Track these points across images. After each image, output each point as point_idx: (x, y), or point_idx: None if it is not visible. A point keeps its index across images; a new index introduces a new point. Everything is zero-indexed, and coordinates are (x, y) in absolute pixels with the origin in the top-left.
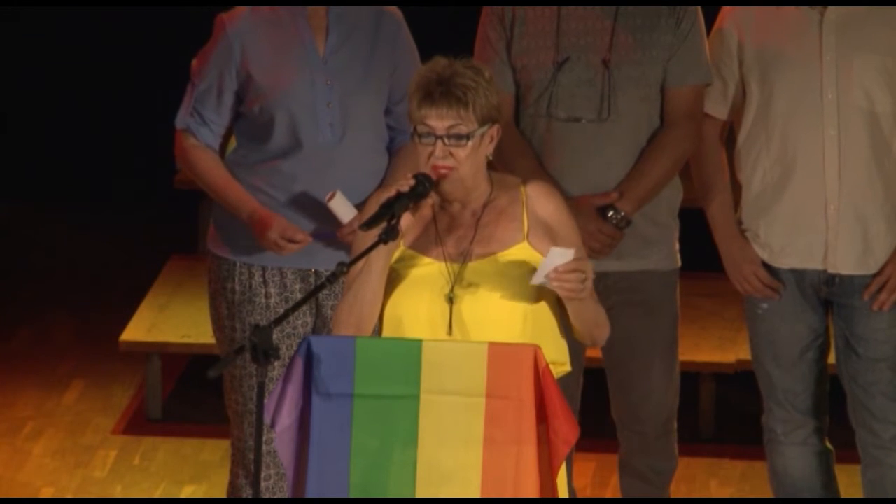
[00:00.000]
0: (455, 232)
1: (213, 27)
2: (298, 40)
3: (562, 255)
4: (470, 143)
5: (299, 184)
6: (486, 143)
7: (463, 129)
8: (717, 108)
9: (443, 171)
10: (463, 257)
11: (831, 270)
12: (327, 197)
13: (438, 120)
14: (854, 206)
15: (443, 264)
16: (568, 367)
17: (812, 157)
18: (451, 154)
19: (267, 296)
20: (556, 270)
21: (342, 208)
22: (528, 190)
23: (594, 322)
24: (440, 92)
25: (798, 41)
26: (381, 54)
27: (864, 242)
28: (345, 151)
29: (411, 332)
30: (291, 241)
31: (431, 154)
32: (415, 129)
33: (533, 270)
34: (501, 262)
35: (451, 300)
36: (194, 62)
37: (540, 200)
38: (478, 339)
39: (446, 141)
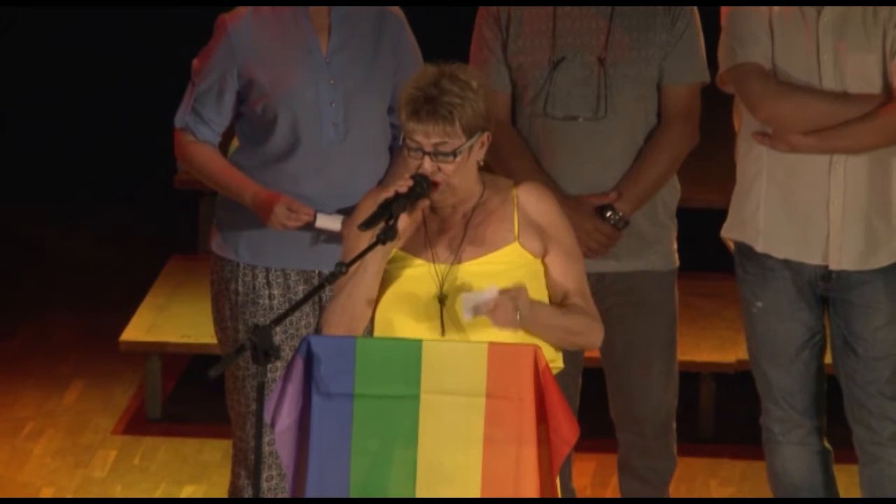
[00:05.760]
0: (445, 234)
1: (213, 27)
2: (301, 40)
3: (481, 296)
4: (458, 158)
5: (303, 183)
6: (475, 151)
7: (449, 147)
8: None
9: (436, 183)
10: (453, 258)
11: (833, 267)
12: (310, 224)
13: (425, 137)
14: (856, 202)
15: (432, 266)
16: (560, 364)
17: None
18: (439, 169)
19: (270, 297)
20: (478, 309)
21: (328, 222)
22: (519, 191)
23: (567, 332)
24: (426, 110)
25: (798, 39)
26: (384, 54)
27: (865, 239)
28: (348, 150)
29: (402, 333)
30: (297, 213)
31: (420, 167)
32: (405, 140)
33: (527, 269)
34: (492, 263)
35: (441, 301)
36: (195, 62)
37: (531, 201)
38: (470, 340)
39: (433, 157)
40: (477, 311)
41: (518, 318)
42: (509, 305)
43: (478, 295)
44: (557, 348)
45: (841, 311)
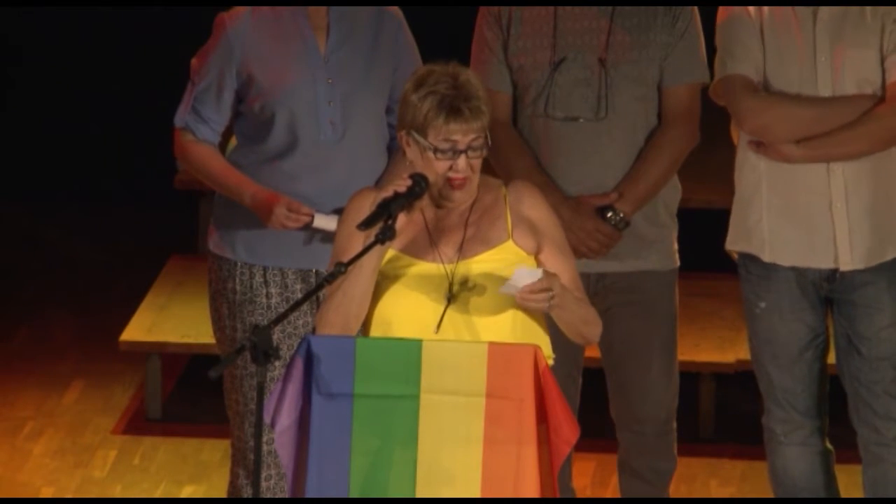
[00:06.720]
0: (447, 233)
1: (212, 26)
2: (299, 39)
3: (529, 275)
4: (485, 150)
5: (300, 182)
6: None
7: (481, 140)
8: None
9: (463, 182)
10: (458, 257)
11: (844, 268)
12: (308, 224)
13: (463, 135)
14: (858, 200)
15: (439, 265)
16: (551, 361)
17: None
18: (470, 165)
19: (268, 296)
20: (520, 291)
21: (326, 222)
22: (509, 189)
23: (581, 321)
24: (469, 108)
25: (790, 44)
26: (382, 53)
27: (872, 235)
28: (345, 150)
29: (401, 332)
30: (297, 214)
31: (451, 168)
32: (433, 146)
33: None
34: (489, 261)
35: (448, 300)
36: (194, 61)
37: (522, 199)
38: (468, 339)
39: (469, 154)
40: (509, 290)
41: (548, 305)
42: (542, 295)
43: (528, 273)
44: (571, 336)
45: (845, 311)
